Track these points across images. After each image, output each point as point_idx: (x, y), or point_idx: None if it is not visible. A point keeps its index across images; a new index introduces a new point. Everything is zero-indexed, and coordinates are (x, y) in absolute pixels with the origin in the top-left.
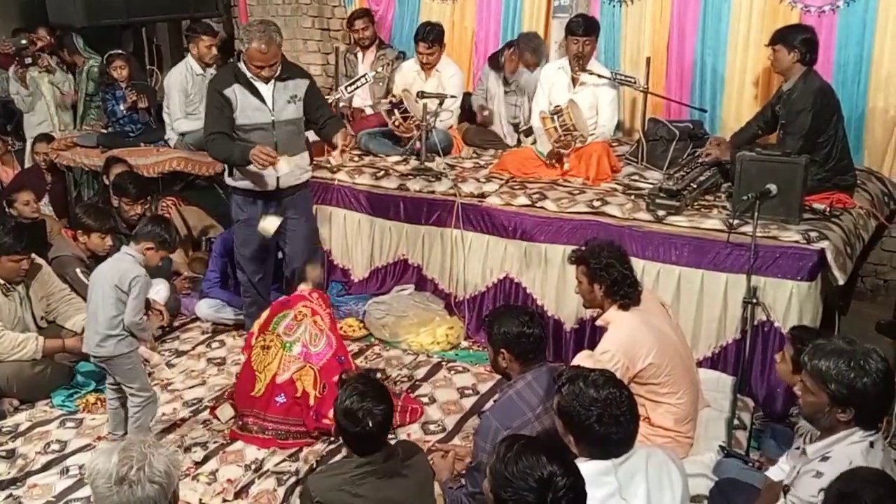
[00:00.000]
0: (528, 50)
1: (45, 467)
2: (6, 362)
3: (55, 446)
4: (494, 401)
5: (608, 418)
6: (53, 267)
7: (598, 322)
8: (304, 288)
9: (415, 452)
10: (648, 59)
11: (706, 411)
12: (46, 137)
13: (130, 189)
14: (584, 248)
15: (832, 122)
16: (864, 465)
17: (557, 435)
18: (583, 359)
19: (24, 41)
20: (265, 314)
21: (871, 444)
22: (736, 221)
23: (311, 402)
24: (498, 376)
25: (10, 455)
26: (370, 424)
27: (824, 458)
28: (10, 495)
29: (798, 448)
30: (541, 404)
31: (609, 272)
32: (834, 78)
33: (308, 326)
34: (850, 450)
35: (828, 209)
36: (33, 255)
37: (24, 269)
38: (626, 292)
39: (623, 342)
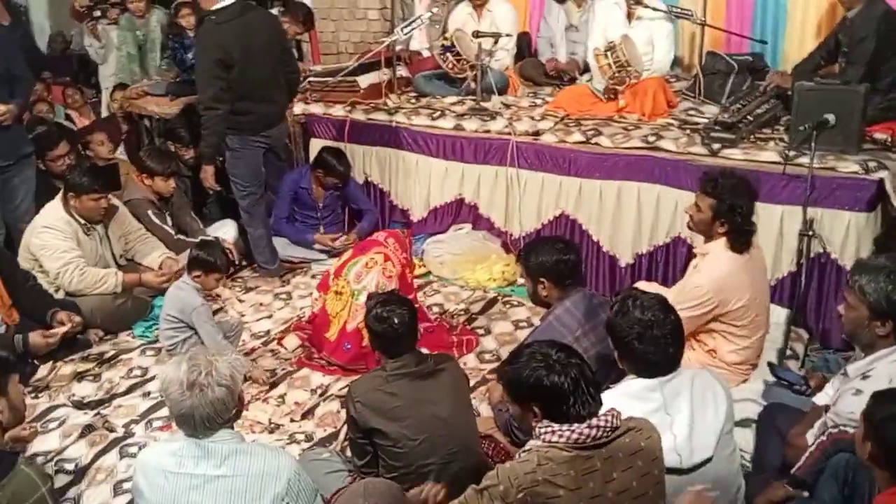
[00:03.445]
0: None
1: (129, 390)
2: (90, 296)
3: (137, 372)
4: (536, 329)
5: (649, 338)
6: (128, 209)
7: (698, 250)
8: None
9: (447, 360)
10: None
11: None
12: (123, 87)
13: (182, 133)
14: (722, 180)
15: None
16: None
17: (595, 356)
18: (648, 288)
19: None
20: (345, 256)
21: None
22: (792, 153)
23: None
24: None
25: (97, 379)
26: (396, 321)
27: (865, 377)
28: (99, 413)
29: (843, 372)
30: (580, 327)
31: (742, 220)
32: None
33: (377, 275)
34: (891, 367)
35: (889, 139)
36: (110, 197)
37: (103, 207)
38: (741, 239)
39: (720, 282)
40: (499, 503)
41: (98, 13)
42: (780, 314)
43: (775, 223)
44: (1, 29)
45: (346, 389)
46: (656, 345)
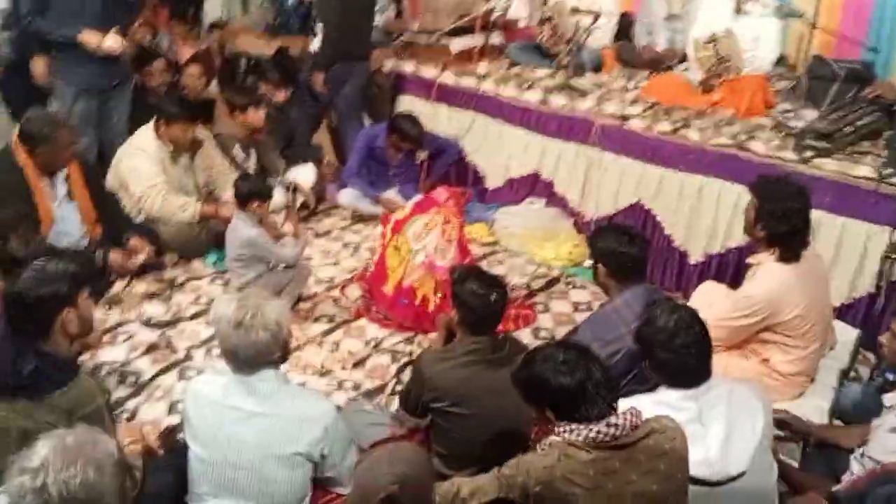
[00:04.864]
0: None
1: (194, 316)
2: (169, 222)
3: (204, 299)
4: (591, 315)
5: (671, 347)
6: (216, 142)
7: (750, 259)
8: (439, 191)
9: (521, 350)
10: None
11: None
12: (218, 24)
13: (273, 75)
14: (766, 182)
15: None
16: None
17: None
18: (713, 288)
19: None
20: (405, 212)
21: None
22: (888, 171)
23: (431, 307)
24: None
25: (167, 301)
26: (493, 299)
27: None
28: (164, 333)
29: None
30: (635, 321)
31: (779, 224)
32: None
33: (436, 237)
34: None
35: None
36: (199, 129)
37: (191, 137)
38: (787, 248)
39: (771, 293)
40: (517, 492)
41: None
42: (850, 334)
43: (860, 241)
44: None
45: (399, 345)
46: (677, 353)
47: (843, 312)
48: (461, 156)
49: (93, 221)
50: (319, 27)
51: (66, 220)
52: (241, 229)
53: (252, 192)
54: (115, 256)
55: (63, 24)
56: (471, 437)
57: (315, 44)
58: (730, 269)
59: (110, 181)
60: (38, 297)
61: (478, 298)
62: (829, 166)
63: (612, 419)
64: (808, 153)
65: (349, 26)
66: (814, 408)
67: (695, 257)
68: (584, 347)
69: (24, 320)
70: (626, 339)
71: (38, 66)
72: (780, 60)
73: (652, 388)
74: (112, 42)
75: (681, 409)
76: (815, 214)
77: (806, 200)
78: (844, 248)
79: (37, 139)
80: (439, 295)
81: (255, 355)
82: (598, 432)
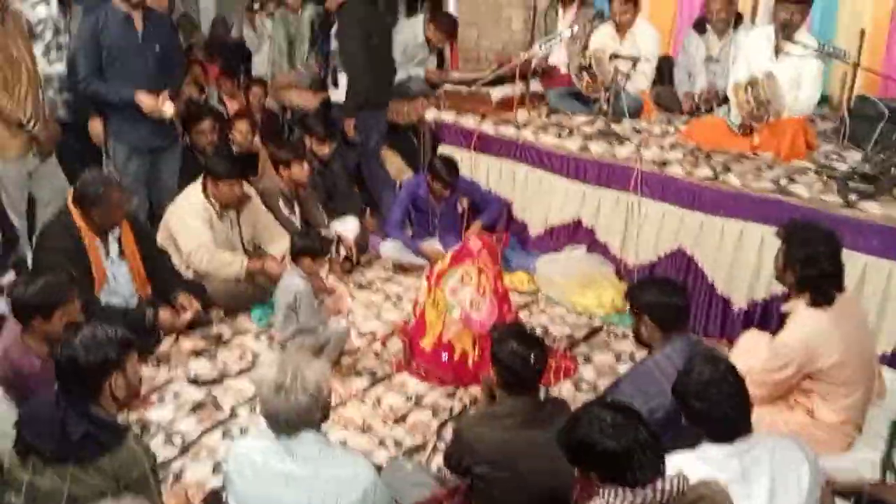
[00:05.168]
0: None
1: (240, 373)
2: (216, 277)
3: (249, 356)
4: (632, 369)
5: (706, 397)
6: (260, 197)
7: (785, 307)
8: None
9: (562, 408)
10: (863, 32)
11: (871, 409)
12: (260, 82)
13: (318, 128)
14: (793, 227)
15: None
16: None
17: None
18: (756, 338)
19: None
20: (445, 264)
21: None
22: None
23: (469, 362)
24: None
25: (213, 358)
26: (533, 361)
27: None
28: (209, 392)
29: None
30: (676, 374)
31: (807, 269)
32: None
33: (471, 291)
34: None
35: None
36: (244, 185)
37: (237, 194)
38: (818, 293)
39: (806, 341)
40: None
41: (257, 5)
42: None
43: None
44: (161, 17)
45: (440, 401)
46: (712, 403)
47: (893, 360)
48: (506, 212)
49: (143, 280)
50: (342, 77)
51: (118, 278)
52: (291, 282)
53: (306, 248)
54: (163, 315)
55: (118, 85)
56: (511, 499)
57: (338, 93)
58: (773, 318)
59: (160, 238)
60: (87, 362)
61: (517, 358)
62: (874, 209)
63: (659, 484)
64: (853, 196)
65: (373, 75)
66: (863, 460)
67: (738, 304)
68: (631, 408)
69: (74, 385)
70: (667, 393)
71: (95, 127)
72: (824, 100)
73: (693, 444)
74: (167, 107)
75: (724, 469)
76: (862, 259)
77: (835, 244)
78: (894, 293)
79: (91, 199)
80: (477, 350)
81: (295, 418)
82: (645, 498)
